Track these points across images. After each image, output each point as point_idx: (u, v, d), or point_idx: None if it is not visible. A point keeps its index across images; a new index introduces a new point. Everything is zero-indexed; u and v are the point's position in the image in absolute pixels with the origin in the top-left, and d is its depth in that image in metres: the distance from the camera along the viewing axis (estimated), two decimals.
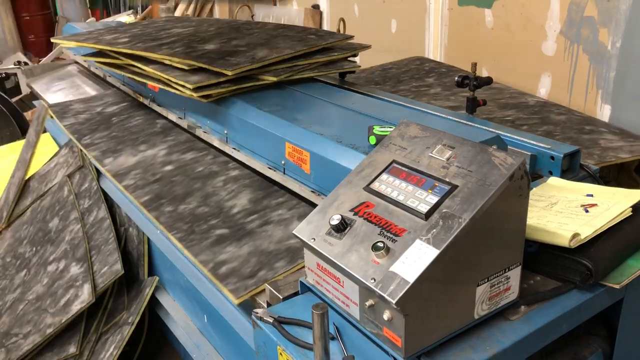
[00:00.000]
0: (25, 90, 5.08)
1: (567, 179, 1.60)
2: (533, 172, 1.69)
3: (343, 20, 4.70)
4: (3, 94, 5.00)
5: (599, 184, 1.66)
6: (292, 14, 5.20)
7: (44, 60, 5.53)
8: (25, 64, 6.09)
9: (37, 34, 9.17)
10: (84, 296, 2.17)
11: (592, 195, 1.42)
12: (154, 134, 2.41)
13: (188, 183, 1.98)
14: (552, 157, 1.66)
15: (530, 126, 2.19)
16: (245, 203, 1.83)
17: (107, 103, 2.84)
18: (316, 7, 5.18)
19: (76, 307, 2.15)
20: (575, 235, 1.22)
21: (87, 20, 7.55)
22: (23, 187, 3.21)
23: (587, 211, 1.34)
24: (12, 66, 5.95)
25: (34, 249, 2.70)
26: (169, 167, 2.10)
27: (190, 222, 1.77)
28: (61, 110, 2.78)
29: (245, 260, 1.53)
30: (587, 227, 1.25)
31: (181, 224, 1.77)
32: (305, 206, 1.76)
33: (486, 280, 1.10)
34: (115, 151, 2.30)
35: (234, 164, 2.08)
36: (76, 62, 3.97)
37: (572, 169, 1.68)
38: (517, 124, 2.22)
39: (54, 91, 3.56)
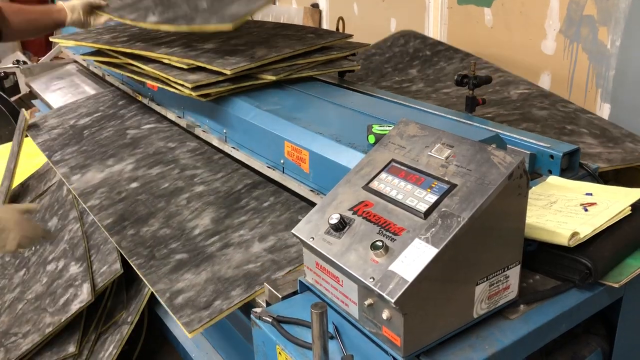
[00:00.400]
0: (24, 89, 5.07)
1: (567, 178, 1.60)
2: (532, 170, 1.69)
3: (342, 19, 4.70)
4: (2, 93, 5.00)
5: (598, 182, 1.66)
6: (292, 12, 5.19)
7: (43, 59, 5.51)
8: (24, 63, 6.07)
9: None
10: (83, 295, 2.17)
11: (591, 194, 1.42)
12: (123, 146, 2.39)
13: (152, 202, 1.95)
14: (552, 156, 1.65)
15: (510, 123, 2.13)
16: (207, 223, 1.80)
17: (81, 114, 2.82)
18: (315, 5, 5.18)
19: (75, 307, 2.15)
20: (575, 234, 1.22)
21: None
22: (21, 188, 3.22)
23: (586, 210, 1.33)
24: (11, 65, 5.93)
25: (33, 248, 2.70)
26: (134, 185, 2.07)
27: (151, 246, 1.74)
28: (35, 127, 2.78)
29: (202, 289, 1.51)
30: (587, 226, 1.25)
31: (142, 248, 1.74)
32: (267, 225, 1.73)
33: (485, 279, 1.10)
34: (84, 167, 2.28)
35: (199, 178, 2.05)
36: (75, 62, 3.97)
37: (571, 167, 1.68)
38: (497, 120, 2.16)
39: (52, 90, 3.56)
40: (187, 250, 1.69)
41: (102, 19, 2.35)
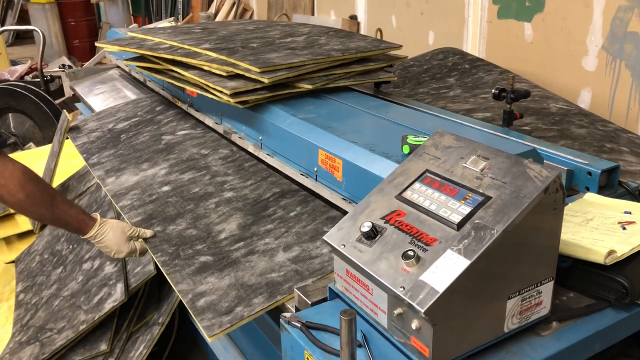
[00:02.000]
0: (68, 92, 5.24)
1: (605, 196, 1.56)
2: (569, 187, 1.66)
3: (380, 31, 4.71)
4: (47, 96, 5.16)
5: (638, 201, 1.62)
6: (330, 24, 5.23)
7: (87, 64, 5.69)
8: (70, 67, 6.27)
9: (81, 38, 9.46)
10: (117, 295, 2.22)
11: (630, 213, 1.39)
12: (158, 151, 2.43)
13: (181, 204, 1.98)
14: (590, 173, 1.62)
15: (547, 139, 2.10)
16: (234, 228, 1.81)
17: (120, 119, 2.89)
18: (354, 17, 5.21)
19: (109, 305, 2.20)
20: (612, 252, 1.20)
21: (130, 27, 7.73)
22: (61, 188, 3.30)
23: (624, 228, 1.31)
24: (57, 69, 6.13)
25: (71, 246, 2.77)
26: (165, 188, 2.10)
27: (177, 245, 1.76)
28: (76, 129, 2.85)
29: (224, 294, 1.52)
30: (624, 244, 1.23)
31: (167, 246, 1.76)
32: (292, 235, 1.74)
33: (517, 294, 1.09)
34: (119, 170, 2.33)
35: (229, 184, 2.07)
36: (118, 67, 4.07)
37: (610, 185, 1.65)
38: (534, 135, 2.13)
39: (95, 94, 3.65)
40: (212, 253, 1.70)
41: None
